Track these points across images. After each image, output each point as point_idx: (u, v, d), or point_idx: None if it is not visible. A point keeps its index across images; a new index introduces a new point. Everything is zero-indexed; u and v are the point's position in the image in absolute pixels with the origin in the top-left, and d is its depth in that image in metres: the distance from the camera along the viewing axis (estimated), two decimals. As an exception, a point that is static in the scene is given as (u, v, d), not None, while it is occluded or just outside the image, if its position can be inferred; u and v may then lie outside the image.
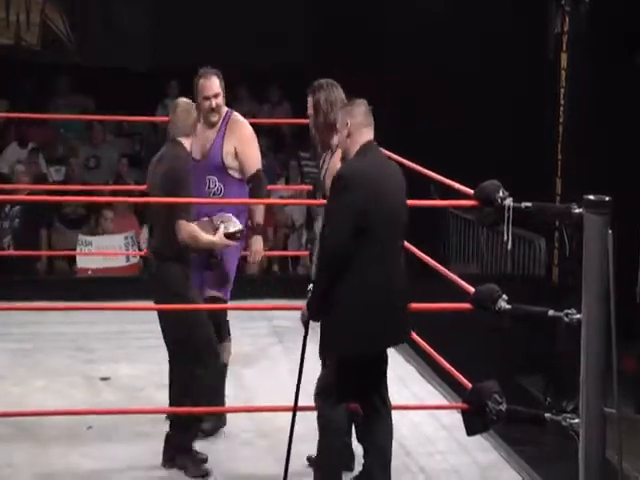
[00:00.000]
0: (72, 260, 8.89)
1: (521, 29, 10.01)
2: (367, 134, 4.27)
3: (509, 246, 4.35)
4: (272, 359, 6.19)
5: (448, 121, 10.53)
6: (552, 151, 7.97)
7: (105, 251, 8.79)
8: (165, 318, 4.81)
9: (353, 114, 4.25)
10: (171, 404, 4.89)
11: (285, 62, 11.03)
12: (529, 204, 4.36)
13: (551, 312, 4.27)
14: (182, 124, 4.86)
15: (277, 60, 11.10)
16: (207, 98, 5.23)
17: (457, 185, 4.74)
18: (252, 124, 5.42)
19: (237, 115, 5.33)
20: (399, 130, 9.24)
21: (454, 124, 10.50)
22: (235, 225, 4.90)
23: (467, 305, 4.54)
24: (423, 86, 10.52)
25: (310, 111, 4.78)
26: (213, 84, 5.24)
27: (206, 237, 4.78)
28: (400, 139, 7.14)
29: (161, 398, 5.59)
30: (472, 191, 4.53)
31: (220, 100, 5.25)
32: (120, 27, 11.54)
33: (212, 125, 5.26)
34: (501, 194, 4.37)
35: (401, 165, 5.66)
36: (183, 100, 4.95)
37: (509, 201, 4.35)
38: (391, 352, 6.39)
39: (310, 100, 4.79)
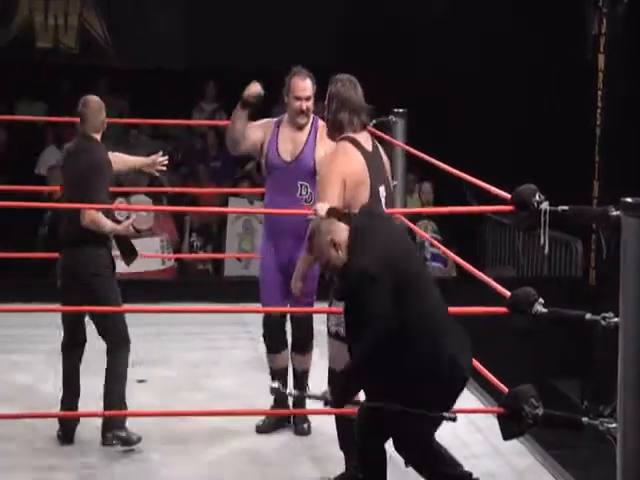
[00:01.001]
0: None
1: (560, 30, 9.97)
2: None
3: (546, 251, 4.31)
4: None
5: (482, 123, 10.51)
6: (589, 153, 7.92)
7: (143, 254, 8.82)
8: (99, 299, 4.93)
9: (334, 231, 3.95)
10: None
11: (316, 63, 11.05)
12: (566, 207, 4.32)
13: (588, 316, 4.24)
14: (94, 120, 5.03)
15: (309, 61, 11.13)
16: (299, 99, 5.11)
17: (494, 189, 4.71)
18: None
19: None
20: (431, 132, 9.23)
21: (487, 126, 10.48)
22: (147, 222, 4.97)
23: (503, 309, 4.52)
24: (456, 87, 10.51)
25: (326, 102, 4.63)
26: (307, 86, 5.12)
27: (110, 224, 4.90)
28: (433, 141, 7.14)
29: (197, 400, 5.63)
30: (509, 195, 4.50)
31: (311, 104, 5.13)
32: (156, 29, 11.60)
33: (299, 128, 5.13)
34: (537, 198, 4.33)
35: (437, 168, 5.65)
36: (93, 97, 5.13)
37: (545, 205, 4.31)
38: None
39: (328, 90, 4.62)
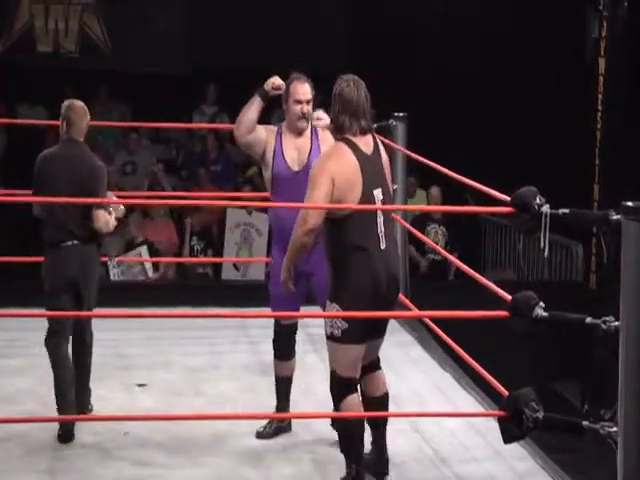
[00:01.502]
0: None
1: (560, 32, 9.97)
2: None
3: (546, 254, 4.30)
4: (306, 367, 6.11)
5: (483, 124, 10.51)
6: (590, 157, 7.92)
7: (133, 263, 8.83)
8: (90, 294, 5.08)
9: None
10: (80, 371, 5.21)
11: (317, 65, 11.06)
12: (566, 211, 4.32)
13: (589, 319, 4.23)
14: (80, 124, 5.13)
15: (309, 62, 11.14)
16: (299, 102, 5.05)
17: (493, 192, 4.71)
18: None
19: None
20: (432, 132, 9.23)
21: (487, 127, 10.47)
22: (119, 210, 5.19)
23: (504, 313, 4.52)
24: (456, 86, 10.51)
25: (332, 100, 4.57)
26: (307, 90, 5.07)
27: (112, 224, 5.10)
28: (433, 141, 7.13)
29: (197, 404, 5.62)
30: (508, 198, 4.49)
31: (310, 108, 5.08)
32: (157, 33, 11.61)
33: (300, 133, 5.08)
34: (538, 201, 4.33)
35: (436, 171, 5.66)
36: (78, 102, 5.20)
37: (546, 208, 4.30)
38: (426, 358, 6.41)
39: (333, 89, 4.55)
